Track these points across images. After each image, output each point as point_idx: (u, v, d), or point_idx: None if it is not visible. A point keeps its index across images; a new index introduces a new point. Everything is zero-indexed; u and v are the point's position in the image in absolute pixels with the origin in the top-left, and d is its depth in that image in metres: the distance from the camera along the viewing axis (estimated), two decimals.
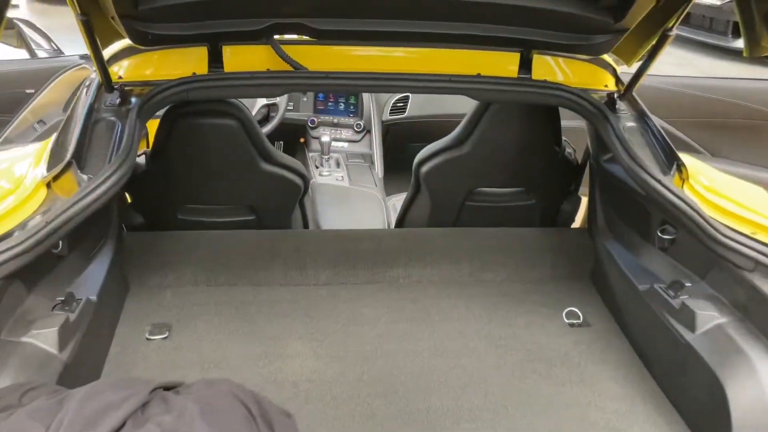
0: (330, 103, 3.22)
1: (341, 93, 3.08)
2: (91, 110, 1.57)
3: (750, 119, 2.99)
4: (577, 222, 2.32)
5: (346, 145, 3.20)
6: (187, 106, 1.82)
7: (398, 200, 2.91)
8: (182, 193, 2.03)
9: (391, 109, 3.21)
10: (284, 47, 1.72)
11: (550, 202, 2.24)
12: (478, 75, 1.82)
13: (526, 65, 1.84)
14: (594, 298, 1.93)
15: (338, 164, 3.01)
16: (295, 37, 1.74)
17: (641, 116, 1.77)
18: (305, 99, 3.20)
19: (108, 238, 1.76)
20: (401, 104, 3.21)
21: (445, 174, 2.17)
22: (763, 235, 1.43)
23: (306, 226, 2.43)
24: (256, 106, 2.96)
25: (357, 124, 3.18)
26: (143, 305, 1.79)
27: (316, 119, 3.18)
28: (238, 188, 2.03)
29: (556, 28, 1.69)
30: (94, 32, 1.43)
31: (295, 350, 1.65)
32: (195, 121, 1.84)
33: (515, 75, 1.84)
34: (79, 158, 1.45)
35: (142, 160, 1.96)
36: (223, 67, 1.73)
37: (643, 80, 1.75)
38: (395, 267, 1.97)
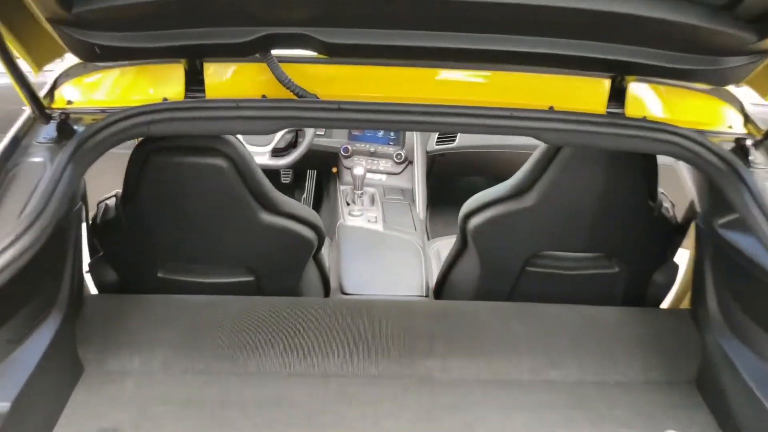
0: (368, 130, 2.77)
1: (364, 128, 2.63)
2: (11, 148, 1.15)
3: None
4: (670, 297, 1.78)
5: (383, 178, 2.74)
6: (162, 139, 1.40)
7: (443, 245, 2.43)
8: (161, 247, 1.61)
9: (438, 138, 2.73)
10: (285, 66, 1.27)
11: (638, 271, 1.71)
12: (551, 109, 1.33)
13: (617, 97, 1.34)
14: (702, 415, 1.40)
15: (373, 201, 2.55)
16: (300, 53, 1.28)
17: None
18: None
19: (53, 308, 1.35)
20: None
21: (500, 231, 1.68)
22: None
23: (325, 284, 1.97)
24: (279, 132, 2.54)
25: (397, 154, 2.71)
26: (94, 398, 1.36)
27: (350, 147, 2.73)
28: (232, 243, 1.60)
29: (668, 46, 1.18)
30: (4, 40, 1.02)
31: None
32: (172, 159, 1.41)
33: (603, 110, 1.34)
34: None
35: (112, 202, 1.55)
36: (204, 91, 1.29)
37: None
38: (429, 357, 1.48)
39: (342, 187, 2.67)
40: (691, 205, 1.60)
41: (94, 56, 1.17)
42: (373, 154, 2.74)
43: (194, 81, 1.28)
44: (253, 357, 1.46)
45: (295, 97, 1.25)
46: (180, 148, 1.41)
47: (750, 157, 1.26)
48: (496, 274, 1.76)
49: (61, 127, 1.19)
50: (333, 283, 2.07)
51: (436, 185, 3.07)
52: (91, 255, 1.65)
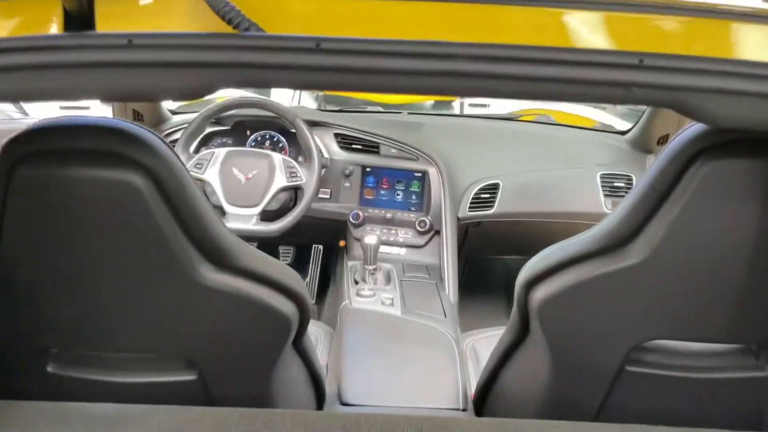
0: (383, 191, 2.22)
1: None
2: None
3: None
4: None
5: (402, 251, 2.16)
6: (37, 139, 0.85)
7: (481, 341, 1.80)
8: (48, 324, 1.01)
9: (471, 201, 2.17)
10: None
11: None
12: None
13: None
14: None
15: (389, 279, 1.96)
16: None
17: None
18: (348, 185, 2.22)
19: None
20: (488, 194, 2.17)
21: (584, 307, 1.07)
22: None
23: (317, 389, 1.35)
24: (272, 188, 2.00)
25: (420, 222, 2.15)
26: None
27: (360, 213, 2.18)
28: (158, 318, 1.00)
29: None
30: None
31: None
32: (53, 172, 0.85)
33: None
34: None
35: None
36: (95, 27, 0.75)
37: None
38: None
39: (350, 263, 2.09)
40: None
41: None
42: (389, 222, 2.18)
43: (75, 16, 0.74)
44: None
45: (231, 31, 0.70)
46: (67, 154, 0.85)
47: None
48: (576, 378, 1.13)
49: None
50: (329, 389, 1.44)
51: (468, 265, 2.48)
52: None
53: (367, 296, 1.83)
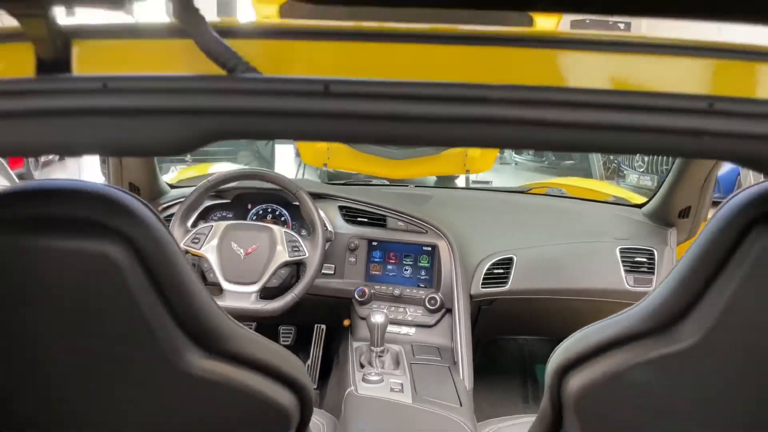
0: (390, 266, 2.10)
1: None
2: None
3: None
4: None
5: (412, 331, 2.01)
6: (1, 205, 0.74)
7: (497, 431, 1.63)
8: (15, 423, 0.87)
9: (484, 277, 2.04)
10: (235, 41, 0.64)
11: None
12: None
13: None
14: None
15: (397, 363, 1.81)
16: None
17: None
18: (353, 260, 2.10)
19: None
20: (501, 270, 2.05)
21: (629, 397, 0.93)
22: None
23: None
24: (272, 264, 1.88)
25: (430, 299, 2.01)
26: None
27: (366, 290, 2.05)
28: (138, 414, 0.86)
29: None
30: None
31: None
32: (19, 242, 0.74)
33: None
34: None
35: None
36: (70, 70, 0.66)
37: None
38: None
39: (356, 344, 1.94)
40: None
41: None
42: (397, 299, 2.05)
43: (47, 61, 0.65)
44: None
45: (224, 73, 0.60)
46: (37, 221, 0.74)
47: None
48: None
49: None
50: None
51: (480, 346, 2.32)
52: None
53: (374, 382, 1.67)
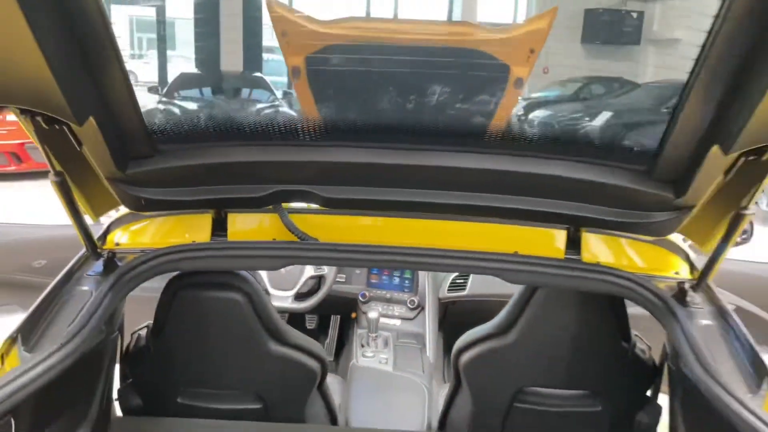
0: (384, 277, 3.00)
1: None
2: (66, 278, 1.42)
3: None
4: None
5: (398, 323, 2.91)
6: (189, 277, 1.66)
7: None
8: (182, 375, 1.81)
9: (449, 286, 2.94)
10: (294, 216, 1.55)
11: (620, 410, 1.81)
12: (516, 253, 1.55)
13: (574, 245, 1.56)
14: None
15: (386, 344, 2.71)
16: (305, 205, 1.57)
17: (721, 313, 1.40)
18: (358, 272, 3.01)
19: (82, 425, 1.53)
20: (461, 280, 2.94)
21: (487, 367, 1.83)
22: None
23: (332, 418, 2.10)
24: (303, 277, 2.80)
25: (410, 301, 2.92)
26: None
27: (367, 293, 2.95)
28: (244, 372, 1.79)
29: (607, 203, 1.42)
30: (72, 193, 1.32)
31: None
32: (196, 293, 1.66)
33: (561, 255, 1.56)
34: (29, 332, 1.28)
35: (144, 333, 1.78)
36: (226, 236, 1.57)
37: (720, 267, 1.41)
38: None
39: (359, 331, 2.85)
40: (664, 348, 1.73)
41: (140, 207, 1.47)
42: (388, 300, 2.95)
43: (219, 228, 1.56)
44: None
45: (297, 240, 1.51)
46: (203, 284, 1.66)
47: (687, 298, 1.43)
48: (487, 411, 1.88)
49: (107, 263, 1.46)
50: (341, 419, 2.19)
51: (452, 332, 3.22)
52: (121, 382, 1.86)
53: (369, 357, 2.59)
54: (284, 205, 1.55)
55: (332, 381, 2.53)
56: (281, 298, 2.78)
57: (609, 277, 1.48)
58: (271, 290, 2.79)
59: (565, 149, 1.37)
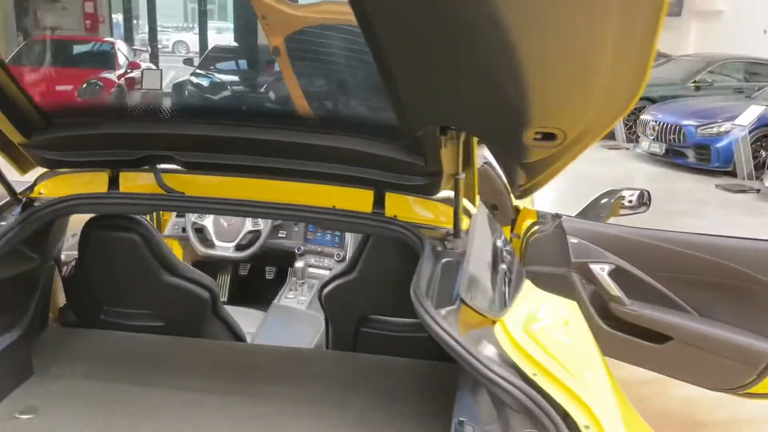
0: (318, 234, 3.48)
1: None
2: None
3: (735, 280, 2.78)
4: None
5: (327, 273, 3.39)
6: (98, 220, 2.17)
7: None
8: (101, 297, 2.34)
9: None
10: (170, 175, 2.04)
11: None
12: (333, 207, 1.99)
13: (380, 202, 1.99)
14: None
15: (311, 289, 3.20)
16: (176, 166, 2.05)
17: (456, 256, 1.81)
18: (296, 229, 3.49)
19: (17, 326, 2.08)
20: None
21: (340, 298, 2.30)
22: (544, 378, 1.39)
23: (238, 339, 2.61)
24: (243, 231, 3.31)
25: (337, 254, 3.39)
26: (33, 393, 2.05)
27: (303, 247, 3.44)
28: (145, 297, 2.30)
29: (391, 170, 1.85)
30: None
31: None
32: (103, 233, 2.17)
33: (369, 210, 1.99)
34: None
35: (74, 263, 2.31)
36: (118, 189, 2.07)
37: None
38: (261, 383, 2.08)
39: (293, 278, 3.35)
40: None
41: (48, 165, 1.98)
42: (320, 254, 3.43)
43: (114, 184, 2.06)
44: (142, 372, 2.11)
45: (164, 192, 2.00)
46: (108, 226, 2.17)
47: (445, 244, 1.85)
48: (342, 334, 2.35)
49: (24, 207, 1.99)
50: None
51: None
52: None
53: (290, 298, 3.08)
54: (160, 166, 2.03)
55: (256, 314, 3.06)
56: (224, 248, 3.30)
57: (393, 226, 1.92)
58: (216, 241, 3.31)
59: (352, 127, 1.80)
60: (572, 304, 1.94)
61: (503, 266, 1.97)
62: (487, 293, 1.74)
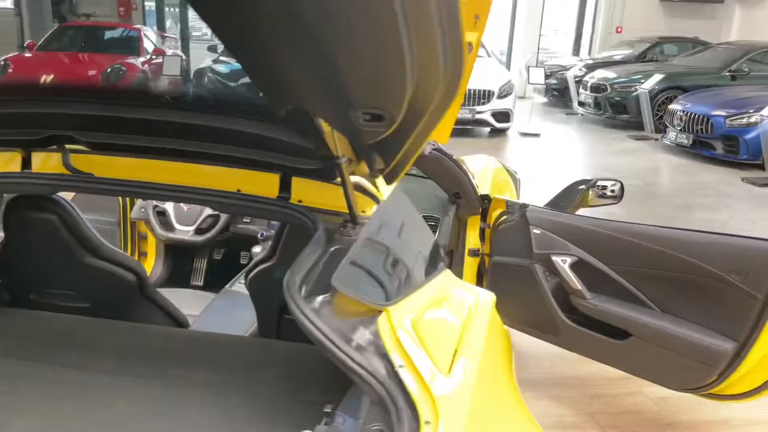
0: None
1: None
2: None
3: (697, 275, 2.64)
4: None
5: None
6: (18, 200, 2.17)
7: None
8: (28, 276, 2.35)
9: None
10: (80, 156, 2.02)
11: None
12: (237, 191, 1.94)
13: (286, 187, 1.93)
14: None
15: None
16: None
17: (345, 244, 1.73)
18: None
19: None
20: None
21: (261, 284, 2.25)
22: (407, 370, 1.33)
23: (177, 324, 2.60)
24: (202, 215, 3.29)
25: None
26: None
27: (265, 233, 3.41)
28: (69, 278, 2.30)
29: (292, 154, 1.78)
30: None
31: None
32: (22, 213, 2.17)
33: (275, 195, 1.94)
34: None
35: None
36: (31, 169, 2.06)
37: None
38: (176, 367, 2.05)
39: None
40: None
41: None
42: None
43: (27, 164, 2.06)
44: (58, 352, 2.11)
45: (69, 173, 1.99)
46: (27, 206, 2.17)
47: (342, 231, 1.77)
48: (266, 320, 2.31)
49: None
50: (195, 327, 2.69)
51: None
52: None
53: (242, 283, 3.05)
54: (68, 146, 2.02)
55: (204, 296, 3.04)
56: (184, 232, 3.29)
57: (293, 212, 1.86)
58: (176, 225, 3.31)
59: (247, 109, 1.75)
60: (488, 296, 1.86)
61: (411, 253, 1.89)
62: (374, 281, 1.67)
